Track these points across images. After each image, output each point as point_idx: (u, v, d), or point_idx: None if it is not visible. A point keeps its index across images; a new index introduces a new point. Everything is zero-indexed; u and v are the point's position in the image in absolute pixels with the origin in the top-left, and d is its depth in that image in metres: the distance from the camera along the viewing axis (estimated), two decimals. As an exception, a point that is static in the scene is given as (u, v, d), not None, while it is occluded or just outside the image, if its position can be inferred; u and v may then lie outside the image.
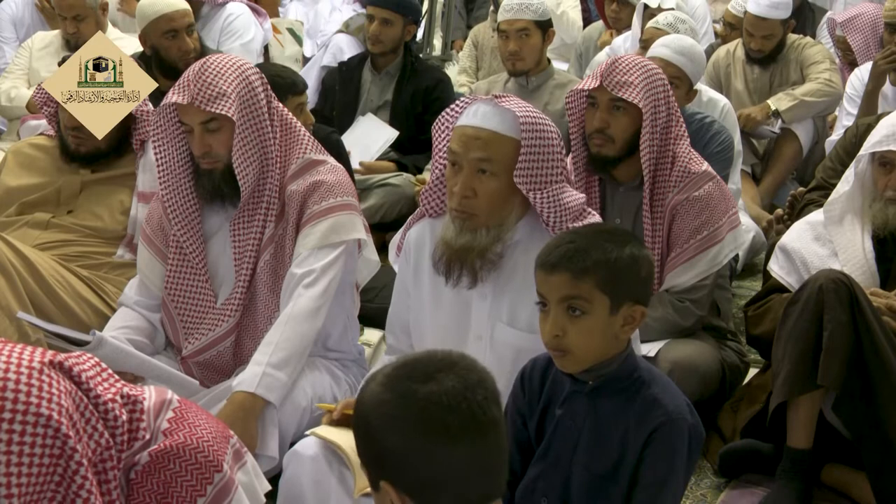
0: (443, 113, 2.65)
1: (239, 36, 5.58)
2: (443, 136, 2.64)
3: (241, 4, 5.75)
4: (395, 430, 1.52)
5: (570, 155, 3.31)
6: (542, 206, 2.49)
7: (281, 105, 3.01)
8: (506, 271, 2.53)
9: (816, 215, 3.19)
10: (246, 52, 5.43)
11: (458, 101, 2.60)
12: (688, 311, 3.12)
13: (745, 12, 5.44)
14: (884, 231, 3.04)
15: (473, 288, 2.54)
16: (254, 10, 5.89)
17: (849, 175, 3.15)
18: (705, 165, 3.22)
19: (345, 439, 2.39)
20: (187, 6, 4.59)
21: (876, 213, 3.05)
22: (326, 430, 2.44)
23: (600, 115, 3.16)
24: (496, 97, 2.52)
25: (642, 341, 3.00)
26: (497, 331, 2.55)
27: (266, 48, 6.24)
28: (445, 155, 2.56)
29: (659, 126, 3.15)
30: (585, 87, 3.17)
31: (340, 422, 2.46)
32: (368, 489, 2.29)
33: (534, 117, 2.49)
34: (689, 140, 3.26)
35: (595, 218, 2.58)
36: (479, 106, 2.51)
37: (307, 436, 2.47)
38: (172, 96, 2.85)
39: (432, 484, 1.52)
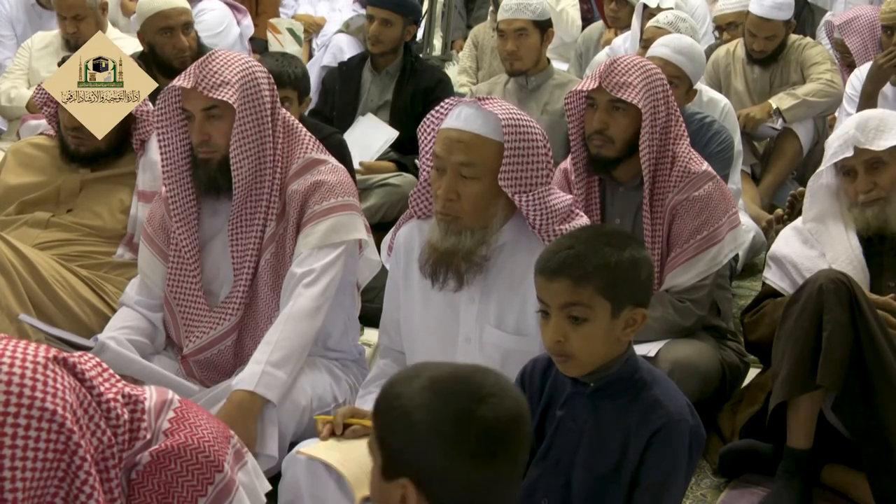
0: (427, 115, 2.65)
1: (204, 29, 5.55)
2: (428, 138, 2.64)
3: (216, 1, 5.74)
4: (442, 444, 1.52)
5: (570, 156, 3.31)
6: (528, 208, 2.49)
7: (284, 110, 3.02)
8: (492, 274, 2.54)
9: (800, 221, 3.22)
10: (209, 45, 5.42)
11: (442, 104, 2.60)
12: (688, 311, 3.12)
13: (748, 13, 5.44)
14: (867, 233, 3.08)
15: (460, 291, 2.54)
16: (232, 7, 5.88)
17: (812, 188, 3.18)
18: (705, 165, 3.22)
19: (335, 456, 2.39)
20: (185, 5, 4.59)
21: (856, 217, 3.08)
22: (314, 448, 2.44)
23: (599, 116, 3.15)
24: (479, 99, 2.52)
25: (642, 341, 3.00)
26: (485, 333, 2.55)
27: (266, 47, 6.24)
28: (431, 158, 2.56)
29: (658, 126, 3.14)
30: (584, 89, 3.17)
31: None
32: (368, 494, 2.31)
33: (517, 119, 2.48)
34: (688, 140, 3.26)
35: (583, 219, 2.57)
36: (463, 108, 2.51)
37: (297, 454, 2.45)
38: (177, 81, 2.87)
39: (458, 500, 1.54)
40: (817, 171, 3.21)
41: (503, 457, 1.54)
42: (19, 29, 5.88)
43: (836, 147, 3.08)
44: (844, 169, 3.10)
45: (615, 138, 3.15)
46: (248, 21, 6.14)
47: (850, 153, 3.04)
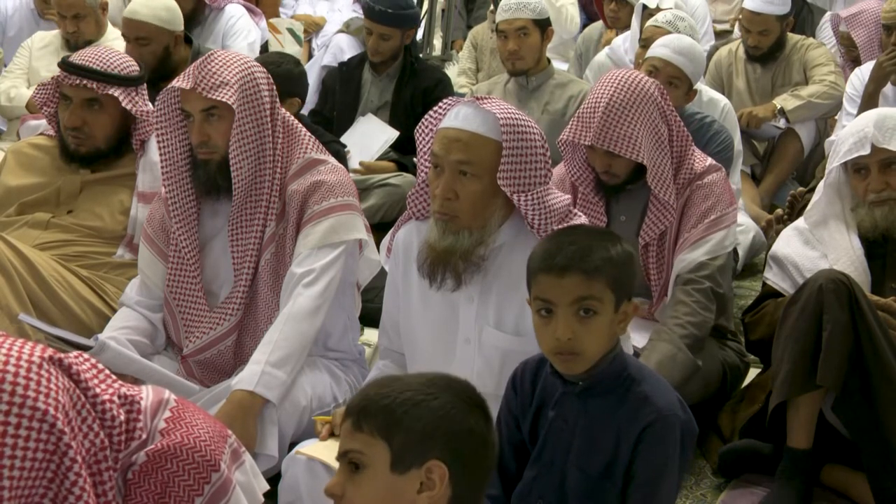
0: (426, 115, 2.65)
1: (245, 36, 5.60)
2: (426, 138, 2.64)
3: (237, 6, 5.76)
4: (463, 416, 1.69)
5: (573, 179, 3.30)
6: (526, 208, 2.48)
7: (284, 110, 3.02)
8: (491, 274, 2.53)
9: (802, 221, 3.21)
10: (251, 51, 5.45)
11: (440, 104, 2.60)
12: (704, 307, 3.10)
13: (743, 8, 5.45)
14: (874, 233, 3.06)
15: (458, 290, 2.53)
16: (249, 11, 5.90)
17: (820, 188, 3.17)
18: (709, 160, 3.26)
19: (334, 457, 2.39)
20: (141, 20, 4.58)
21: (863, 218, 3.06)
22: (312, 449, 2.44)
23: (601, 160, 3.18)
24: (478, 99, 2.52)
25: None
26: (484, 334, 2.55)
27: (266, 47, 6.24)
28: (429, 158, 2.56)
29: (664, 145, 3.17)
30: (581, 142, 3.17)
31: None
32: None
33: (515, 119, 2.48)
34: (690, 137, 3.28)
35: (581, 219, 2.57)
36: (461, 108, 2.51)
37: (296, 454, 2.45)
38: (177, 82, 2.86)
39: (480, 468, 1.71)
40: (827, 168, 3.18)
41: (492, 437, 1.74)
42: (12, 32, 5.89)
43: (851, 144, 3.05)
44: (856, 167, 3.07)
45: (620, 173, 3.20)
46: (263, 24, 6.16)
47: (866, 151, 3.02)
